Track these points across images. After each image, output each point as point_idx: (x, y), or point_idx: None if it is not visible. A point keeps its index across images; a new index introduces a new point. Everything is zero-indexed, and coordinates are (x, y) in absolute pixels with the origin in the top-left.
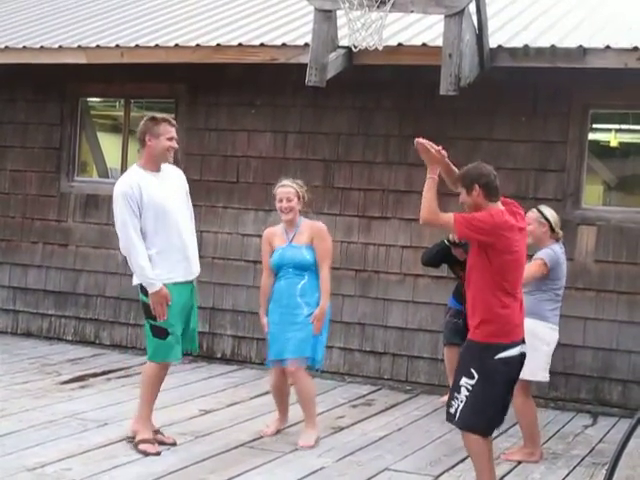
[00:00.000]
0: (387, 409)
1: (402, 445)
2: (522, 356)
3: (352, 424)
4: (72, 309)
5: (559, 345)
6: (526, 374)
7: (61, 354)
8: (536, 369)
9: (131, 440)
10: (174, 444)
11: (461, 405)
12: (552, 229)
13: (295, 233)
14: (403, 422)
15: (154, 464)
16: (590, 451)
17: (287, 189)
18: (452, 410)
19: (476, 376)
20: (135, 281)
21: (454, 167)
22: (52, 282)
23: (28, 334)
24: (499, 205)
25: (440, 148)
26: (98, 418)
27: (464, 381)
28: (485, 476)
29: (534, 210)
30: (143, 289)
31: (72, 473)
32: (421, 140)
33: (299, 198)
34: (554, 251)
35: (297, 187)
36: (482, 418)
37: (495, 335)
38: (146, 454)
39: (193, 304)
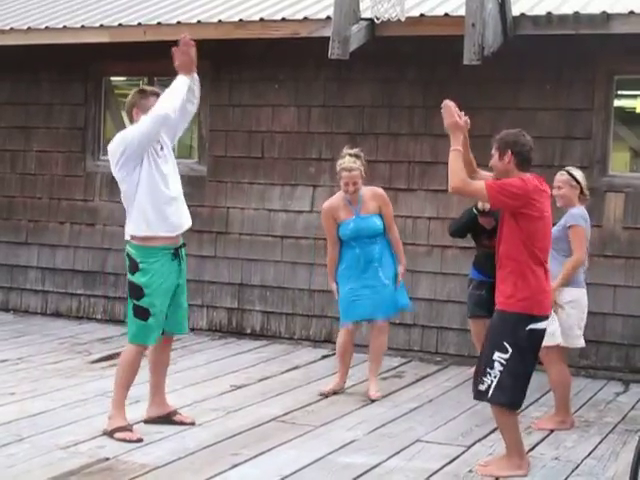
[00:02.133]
0: (417, 381)
1: (433, 416)
2: (545, 330)
3: (383, 396)
4: (101, 288)
5: (589, 313)
6: (564, 340)
7: (91, 333)
8: (573, 335)
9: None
10: (193, 424)
11: (494, 381)
12: (582, 191)
13: (360, 204)
14: (434, 393)
15: (186, 440)
16: (622, 418)
17: (353, 174)
18: (483, 387)
19: (510, 350)
20: (127, 235)
21: (469, 149)
22: (80, 262)
23: (57, 314)
24: (527, 175)
25: (466, 118)
26: (131, 395)
27: (497, 355)
28: (517, 448)
29: (563, 172)
30: (130, 265)
31: (105, 451)
32: (449, 103)
33: (362, 177)
34: (580, 209)
35: (359, 167)
36: (517, 392)
37: (528, 306)
38: (126, 442)
39: (181, 281)
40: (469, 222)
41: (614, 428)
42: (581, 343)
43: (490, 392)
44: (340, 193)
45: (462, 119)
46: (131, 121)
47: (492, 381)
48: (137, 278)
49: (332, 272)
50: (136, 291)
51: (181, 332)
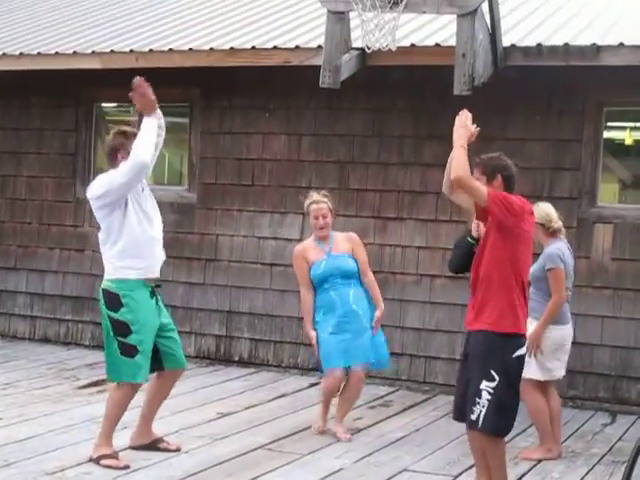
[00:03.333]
0: (405, 410)
1: (420, 446)
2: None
3: (370, 425)
4: (89, 314)
5: (577, 344)
6: (533, 373)
7: (79, 359)
8: (552, 367)
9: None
10: (178, 450)
11: (483, 410)
12: (544, 226)
13: (331, 244)
14: (421, 423)
15: (172, 467)
16: (609, 449)
17: (321, 205)
18: (474, 417)
19: (497, 378)
20: (108, 274)
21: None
22: (69, 287)
23: (45, 339)
24: None
25: (477, 130)
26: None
27: (484, 385)
28: (503, 476)
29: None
30: (110, 301)
31: (92, 477)
32: (467, 113)
33: (331, 212)
34: (557, 248)
35: (328, 201)
36: (507, 420)
37: (511, 325)
38: (112, 469)
39: (164, 319)
40: (468, 254)
41: (601, 459)
42: (561, 374)
43: (480, 421)
44: (311, 237)
45: (472, 132)
46: (112, 161)
47: (481, 410)
48: (122, 315)
49: (309, 319)
50: (122, 328)
51: (183, 365)
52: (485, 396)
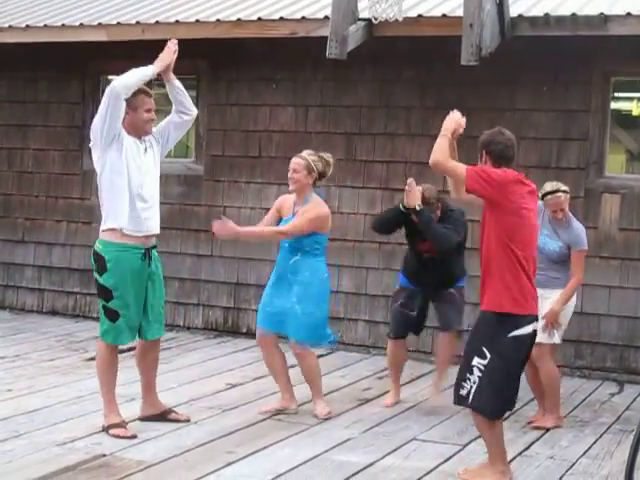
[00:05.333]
0: (413, 380)
1: (428, 415)
2: (534, 334)
3: (378, 396)
4: None
5: (584, 314)
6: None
7: (87, 331)
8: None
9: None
10: (188, 421)
11: (474, 387)
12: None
13: (301, 207)
14: (429, 393)
15: (181, 438)
16: (617, 419)
17: (296, 160)
18: (464, 392)
19: (488, 355)
20: (97, 241)
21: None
22: (77, 260)
23: (54, 312)
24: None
25: (464, 121)
26: (125, 393)
27: (476, 361)
28: (500, 455)
29: (559, 194)
30: (97, 264)
31: (102, 447)
32: (458, 112)
33: (309, 172)
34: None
35: (310, 160)
36: (497, 400)
37: (509, 305)
38: (120, 438)
39: (154, 282)
40: (394, 218)
41: (609, 428)
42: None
43: (470, 398)
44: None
45: (459, 124)
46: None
47: (471, 387)
48: (105, 280)
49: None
50: (105, 293)
51: (159, 335)
52: (476, 372)
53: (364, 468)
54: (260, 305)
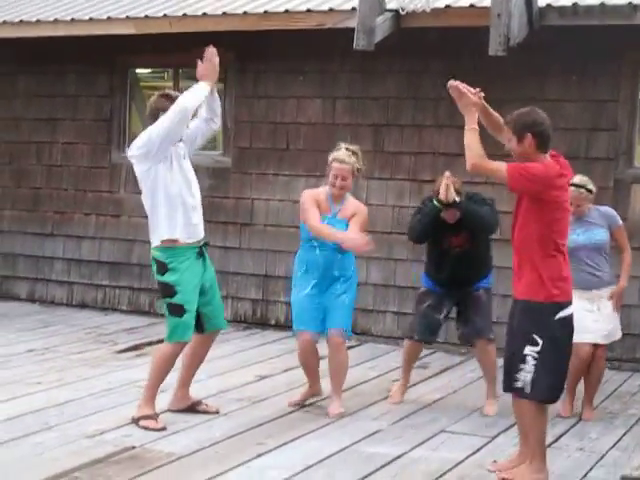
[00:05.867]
0: (442, 372)
1: (457, 407)
2: (572, 315)
3: (407, 387)
4: (126, 279)
5: None
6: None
7: (116, 324)
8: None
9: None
10: (217, 413)
11: (529, 376)
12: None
13: (341, 207)
14: (458, 384)
15: (212, 429)
16: None
17: (344, 167)
18: (519, 384)
19: (540, 341)
20: (154, 242)
21: (493, 111)
22: (106, 253)
23: (83, 305)
24: (548, 157)
25: (477, 90)
26: None
27: (528, 349)
28: (542, 449)
29: (582, 190)
30: (158, 268)
31: (131, 439)
32: (454, 83)
33: (354, 174)
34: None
35: (352, 163)
36: (555, 385)
37: (551, 294)
38: (149, 430)
39: (208, 278)
40: (433, 221)
41: (639, 420)
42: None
43: (528, 388)
44: (324, 188)
45: (475, 95)
46: (154, 123)
47: (527, 376)
48: (167, 277)
49: (328, 229)
50: (168, 289)
51: (223, 327)
52: (530, 362)
53: (393, 460)
54: (299, 310)
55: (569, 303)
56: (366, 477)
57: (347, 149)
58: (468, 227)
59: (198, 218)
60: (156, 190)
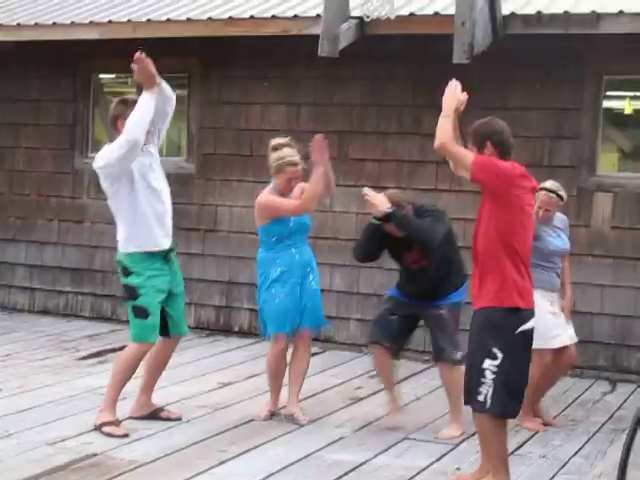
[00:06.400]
0: (405, 379)
1: (420, 415)
2: (532, 329)
3: (370, 394)
4: (89, 286)
5: (577, 312)
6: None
7: (78, 330)
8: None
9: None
10: (179, 419)
11: (490, 390)
12: (562, 199)
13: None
14: (421, 392)
15: (174, 436)
16: (609, 418)
17: (299, 168)
18: (481, 398)
19: (499, 355)
20: (119, 248)
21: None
22: (68, 259)
23: (45, 311)
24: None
25: (465, 98)
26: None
27: (487, 363)
28: (503, 462)
29: (552, 195)
30: (122, 271)
31: (93, 447)
32: (456, 82)
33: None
34: None
35: (301, 160)
36: (512, 399)
37: (515, 299)
38: (112, 436)
39: (175, 284)
40: (373, 238)
41: (601, 427)
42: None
43: (488, 402)
44: (270, 187)
45: (461, 101)
46: (113, 130)
47: (488, 391)
48: (131, 279)
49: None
50: (132, 292)
51: (185, 332)
52: (489, 375)
53: (356, 467)
54: (281, 312)
55: (531, 315)
56: None
57: (288, 146)
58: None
59: (167, 225)
60: (120, 203)
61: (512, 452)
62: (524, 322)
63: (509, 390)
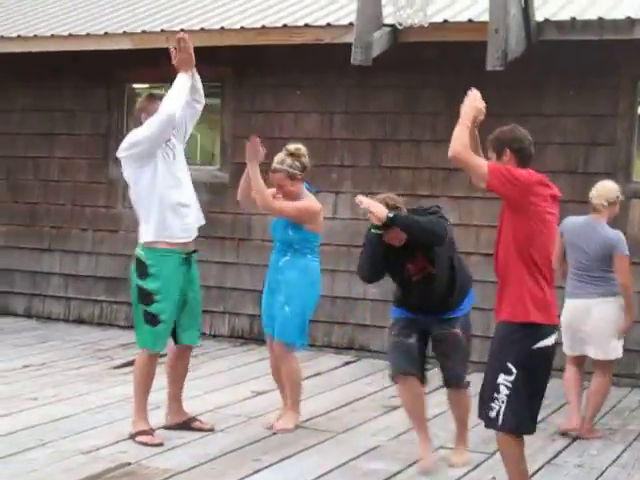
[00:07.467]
0: (440, 387)
1: (453, 423)
2: (556, 345)
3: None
4: (123, 295)
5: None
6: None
7: (113, 339)
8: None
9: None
10: (212, 430)
11: (503, 407)
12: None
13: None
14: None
15: (208, 446)
16: None
17: (277, 176)
18: (493, 414)
19: (514, 371)
20: (140, 239)
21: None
22: (103, 268)
23: (80, 320)
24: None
25: (484, 107)
26: (151, 401)
27: (502, 378)
28: (520, 476)
29: (617, 192)
30: (139, 269)
31: (127, 456)
32: (476, 92)
33: (292, 178)
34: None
35: (287, 168)
36: (527, 417)
37: (532, 314)
38: (146, 445)
39: (192, 289)
40: (377, 251)
41: (638, 436)
42: (567, 351)
43: (500, 419)
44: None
45: (479, 109)
46: (137, 123)
47: (500, 407)
48: (147, 284)
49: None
50: (146, 296)
51: (195, 343)
52: (504, 391)
53: (391, 476)
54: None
55: (551, 331)
56: None
57: (287, 151)
58: (417, 245)
59: (189, 217)
60: (142, 191)
61: (548, 461)
62: (542, 338)
63: (522, 406)
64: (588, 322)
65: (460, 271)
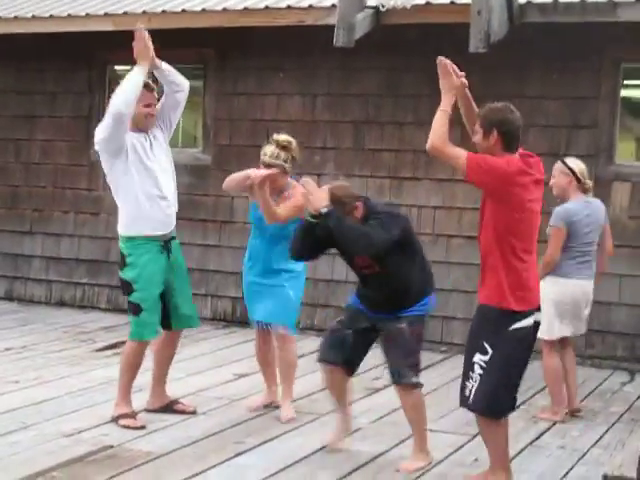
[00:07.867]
0: (422, 370)
1: (438, 405)
2: (537, 325)
3: (388, 385)
4: (105, 277)
5: (595, 303)
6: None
7: (95, 322)
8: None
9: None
10: (194, 412)
11: (475, 385)
12: (578, 180)
13: (277, 199)
14: (439, 382)
15: (190, 428)
16: (628, 408)
17: (269, 170)
18: (466, 392)
19: (490, 351)
20: (118, 229)
21: (473, 101)
22: (84, 251)
23: (62, 303)
24: (515, 156)
25: (463, 74)
26: (135, 384)
27: (477, 357)
28: (502, 461)
29: (558, 162)
30: (120, 260)
31: (109, 439)
32: (445, 60)
33: (286, 172)
34: (564, 208)
35: (283, 162)
36: (500, 399)
37: (509, 301)
38: (128, 428)
39: (177, 274)
40: (309, 235)
41: (620, 417)
42: (564, 332)
43: (471, 398)
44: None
45: (459, 79)
46: None
47: (473, 385)
48: (125, 274)
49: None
50: (126, 287)
51: (194, 325)
52: (477, 370)
53: (374, 458)
54: (247, 301)
55: (528, 313)
56: (346, 476)
57: (277, 143)
58: None
59: (165, 210)
60: (117, 183)
61: (530, 442)
62: (520, 320)
63: (494, 388)
64: (588, 302)
65: (418, 273)
